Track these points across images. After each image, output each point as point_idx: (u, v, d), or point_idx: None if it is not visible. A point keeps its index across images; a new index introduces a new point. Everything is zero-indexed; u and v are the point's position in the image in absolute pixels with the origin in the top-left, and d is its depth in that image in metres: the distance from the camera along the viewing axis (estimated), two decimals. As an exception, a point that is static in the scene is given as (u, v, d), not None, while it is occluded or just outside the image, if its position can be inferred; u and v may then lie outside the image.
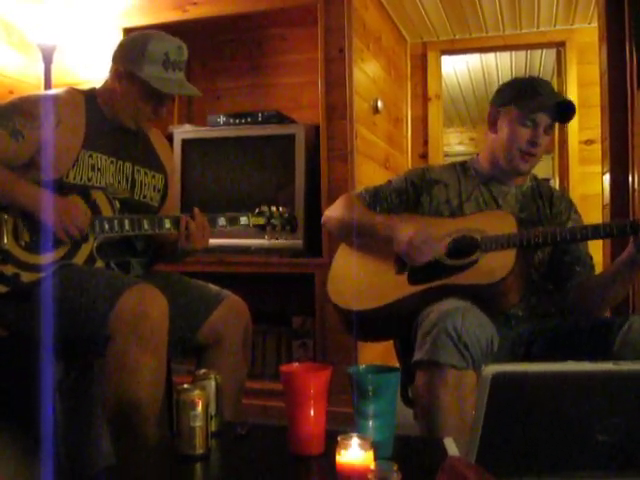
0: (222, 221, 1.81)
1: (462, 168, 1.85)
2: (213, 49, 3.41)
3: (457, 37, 3.89)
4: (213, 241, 1.85)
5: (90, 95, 1.78)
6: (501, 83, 1.84)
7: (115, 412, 1.50)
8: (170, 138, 2.89)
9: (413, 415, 1.57)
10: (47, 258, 1.60)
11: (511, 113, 1.70)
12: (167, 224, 1.73)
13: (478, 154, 1.87)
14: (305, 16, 2.96)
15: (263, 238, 1.91)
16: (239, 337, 1.77)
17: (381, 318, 1.66)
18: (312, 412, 1.15)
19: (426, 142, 3.96)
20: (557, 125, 1.80)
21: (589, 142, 3.67)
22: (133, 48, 1.72)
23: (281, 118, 2.93)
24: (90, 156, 1.70)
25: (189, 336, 1.74)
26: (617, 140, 2.41)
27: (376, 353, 2.87)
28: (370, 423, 1.15)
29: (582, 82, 3.69)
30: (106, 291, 1.52)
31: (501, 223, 1.65)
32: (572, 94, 3.72)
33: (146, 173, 1.85)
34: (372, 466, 0.92)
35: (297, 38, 3.28)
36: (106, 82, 1.79)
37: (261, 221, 1.87)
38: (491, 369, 0.86)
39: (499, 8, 3.43)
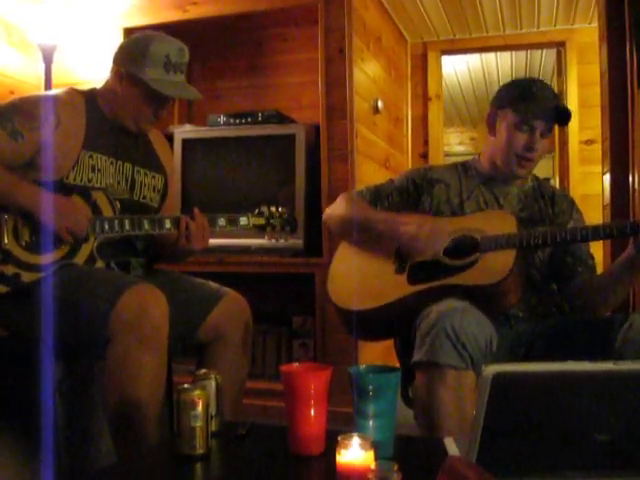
0: (222, 221, 1.82)
1: (463, 168, 1.85)
2: (213, 49, 3.41)
3: (457, 37, 3.89)
4: (213, 241, 1.85)
5: (90, 96, 1.78)
6: (502, 84, 1.83)
7: (115, 412, 1.51)
8: (170, 138, 2.88)
9: (413, 415, 1.57)
10: (47, 258, 1.60)
11: (508, 117, 1.70)
12: (167, 224, 1.74)
13: (479, 154, 1.87)
14: (305, 16, 2.97)
15: (263, 238, 1.91)
16: (240, 333, 1.78)
17: (380, 318, 1.66)
18: (312, 412, 1.15)
19: (426, 142, 3.95)
20: (557, 125, 1.80)
21: (589, 142, 3.67)
22: (134, 50, 1.72)
23: (281, 118, 2.93)
24: (90, 157, 1.70)
25: (190, 333, 1.75)
26: (617, 140, 2.41)
27: (376, 353, 2.87)
28: (370, 423, 1.15)
29: (582, 82, 3.69)
30: (106, 291, 1.52)
31: (501, 223, 1.65)
32: (572, 94, 3.72)
33: (146, 174, 1.85)
34: (372, 466, 0.92)
35: (297, 38, 3.28)
36: (107, 83, 1.79)
37: (261, 221, 1.87)
38: (491, 369, 0.86)
39: (499, 8, 3.43)
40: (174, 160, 2.58)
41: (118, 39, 2.90)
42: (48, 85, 2.86)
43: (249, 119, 2.95)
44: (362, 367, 1.23)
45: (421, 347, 1.46)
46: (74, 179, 1.66)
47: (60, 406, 1.63)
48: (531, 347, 1.66)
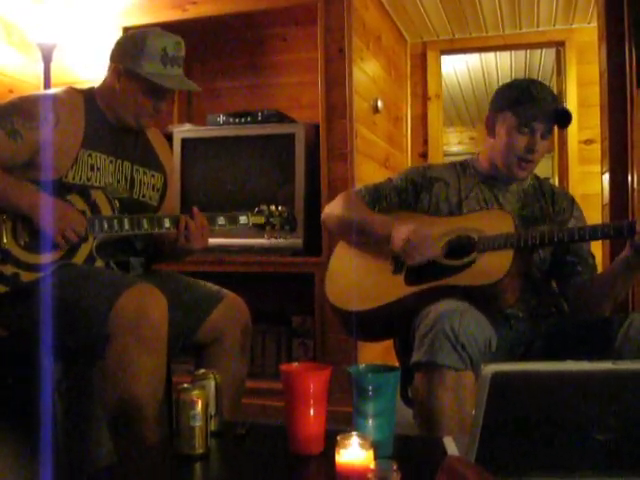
0: (221, 220, 1.81)
1: (462, 167, 1.85)
2: (213, 48, 3.41)
3: (457, 37, 3.89)
4: (212, 240, 1.85)
5: (89, 95, 1.78)
6: (499, 86, 1.83)
7: (115, 412, 1.50)
8: (170, 137, 2.88)
9: (412, 414, 1.57)
10: (46, 258, 1.60)
11: (508, 119, 1.69)
12: (167, 223, 1.73)
13: (478, 154, 1.87)
14: (305, 15, 2.96)
15: (262, 237, 1.91)
16: (239, 336, 1.77)
17: (378, 319, 1.66)
18: (312, 412, 1.15)
19: (426, 142, 3.96)
20: (557, 128, 1.79)
21: (588, 142, 3.67)
22: (131, 46, 1.72)
23: (281, 117, 2.93)
24: (89, 155, 1.70)
25: (189, 335, 1.74)
26: (616, 140, 2.41)
27: (376, 352, 2.87)
28: (370, 422, 1.15)
29: (582, 82, 3.69)
30: (106, 291, 1.52)
31: (498, 222, 1.65)
32: (572, 94, 3.72)
33: (145, 172, 1.85)
34: (372, 465, 0.92)
35: (297, 37, 3.28)
36: (105, 81, 1.79)
37: (260, 220, 1.87)
38: (490, 368, 0.86)
39: (499, 8, 3.43)
40: (173, 160, 2.57)
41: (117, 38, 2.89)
42: (47, 84, 2.86)
43: (249, 118, 2.95)
44: (362, 367, 1.23)
45: (420, 348, 1.46)
46: (73, 178, 1.66)
47: (59, 406, 1.63)
48: (530, 347, 1.66)
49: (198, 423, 1.16)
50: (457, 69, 5.10)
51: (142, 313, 1.48)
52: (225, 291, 1.82)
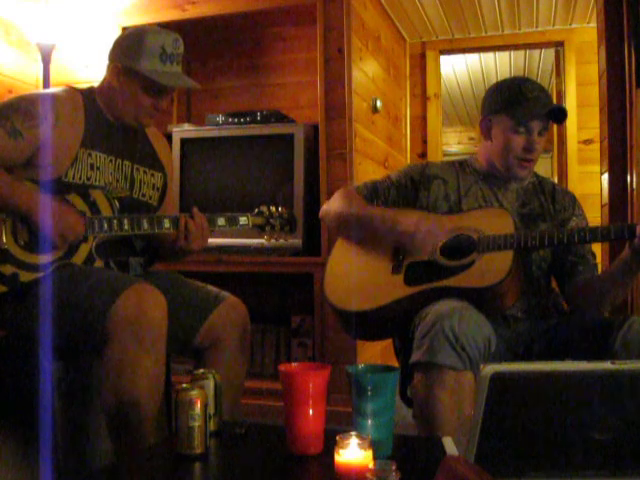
0: (221, 221, 1.81)
1: (461, 165, 1.85)
2: (212, 48, 3.41)
3: (456, 37, 3.89)
4: (212, 241, 1.85)
5: (89, 94, 1.77)
6: (488, 88, 1.81)
7: (114, 412, 1.50)
8: (169, 137, 2.88)
9: (412, 414, 1.57)
10: (46, 258, 1.60)
11: (503, 121, 1.69)
12: (166, 224, 1.73)
13: (476, 154, 1.87)
14: (304, 15, 2.96)
15: (262, 238, 1.91)
16: (237, 338, 1.77)
17: (377, 319, 1.66)
18: (311, 411, 1.15)
19: (425, 141, 3.96)
20: (555, 124, 1.79)
21: (588, 142, 3.67)
22: (129, 44, 1.72)
23: (280, 117, 2.93)
24: (89, 155, 1.69)
25: (187, 337, 1.74)
26: (616, 140, 2.41)
27: (375, 352, 2.87)
28: (369, 422, 1.15)
29: (581, 82, 3.70)
30: (105, 291, 1.52)
31: (497, 221, 1.64)
32: (571, 94, 3.72)
33: (145, 172, 1.85)
34: (371, 465, 0.92)
35: (296, 37, 3.28)
36: (104, 80, 1.78)
37: (260, 221, 1.87)
38: (490, 369, 0.86)
39: (498, 8, 3.43)
40: (173, 159, 2.57)
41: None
42: (46, 84, 2.86)
43: (248, 118, 2.95)
44: (361, 366, 1.23)
45: (419, 348, 1.46)
46: (73, 177, 1.66)
47: (59, 405, 1.63)
48: (530, 347, 1.66)
49: (197, 423, 1.16)
50: (456, 69, 5.10)
51: (141, 313, 1.48)
52: (224, 293, 1.81)
